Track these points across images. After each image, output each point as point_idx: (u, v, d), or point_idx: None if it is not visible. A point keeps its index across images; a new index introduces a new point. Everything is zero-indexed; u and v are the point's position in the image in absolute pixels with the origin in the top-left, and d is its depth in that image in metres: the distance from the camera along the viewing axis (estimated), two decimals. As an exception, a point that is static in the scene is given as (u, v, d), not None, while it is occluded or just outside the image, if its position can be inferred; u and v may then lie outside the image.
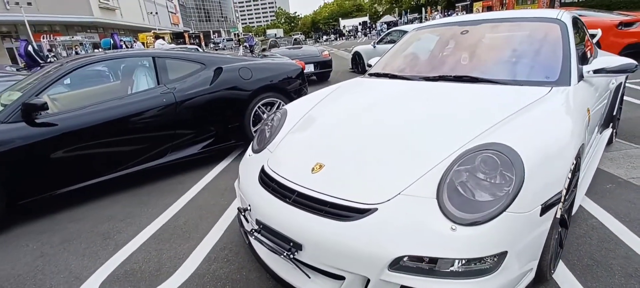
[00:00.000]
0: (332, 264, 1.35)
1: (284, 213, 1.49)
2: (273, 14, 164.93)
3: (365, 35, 42.97)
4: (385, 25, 45.54)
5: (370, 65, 3.29)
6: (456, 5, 46.69)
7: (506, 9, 32.22)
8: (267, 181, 1.70)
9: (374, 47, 9.10)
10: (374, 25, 49.51)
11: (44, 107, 2.49)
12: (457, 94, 2.01)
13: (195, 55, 3.68)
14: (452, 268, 1.20)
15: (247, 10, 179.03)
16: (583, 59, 2.25)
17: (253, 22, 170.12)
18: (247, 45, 12.41)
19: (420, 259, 1.22)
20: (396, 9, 60.90)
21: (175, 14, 60.58)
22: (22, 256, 2.26)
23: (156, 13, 42.74)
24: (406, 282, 1.23)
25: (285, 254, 1.42)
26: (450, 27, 2.82)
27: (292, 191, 1.54)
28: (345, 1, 77.53)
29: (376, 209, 1.31)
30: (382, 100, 2.15)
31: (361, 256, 1.27)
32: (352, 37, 42.64)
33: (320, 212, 1.39)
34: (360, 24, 54.36)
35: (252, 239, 1.80)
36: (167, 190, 3.08)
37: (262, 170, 1.79)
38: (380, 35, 39.91)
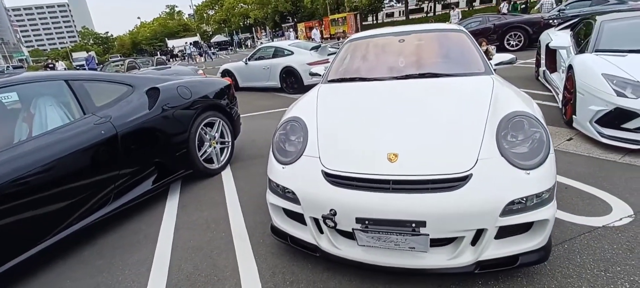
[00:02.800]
0: (455, 228, 1.57)
1: (391, 202, 1.59)
2: (72, 34, 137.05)
3: (201, 55, 41.22)
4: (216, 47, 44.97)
5: (315, 74, 3.53)
6: (282, 25, 51.17)
7: (324, 30, 37.76)
8: (342, 182, 1.72)
9: (247, 63, 9.15)
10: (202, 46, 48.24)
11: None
12: (435, 85, 2.50)
13: (116, 75, 2.95)
14: (533, 202, 1.62)
15: (34, 31, 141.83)
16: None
17: (45, 45, 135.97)
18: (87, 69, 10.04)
19: (512, 202, 1.58)
20: (226, 29, 61.33)
21: None
22: None
23: None
24: (509, 222, 1.58)
25: (410, 234, 1.53)
26: (386, 37, 3.37)
27: (386, 182, 1.64)
28: (169, 21, 72.46)
29: (472, 174, 1.60)
30: (387, 95, 2.43)
31: (478, 213, 1.55)
32: (189, 58, 39.95)
33: (429, 190, 1.58)
34: (191, 44, 51.82)
35: (337, 243, 1.78)
36: (123, 244, 2.41)
37: (328, 174, 1.78)
38: (214, 54, 38.01)
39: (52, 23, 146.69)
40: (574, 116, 3.66)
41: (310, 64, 7.57)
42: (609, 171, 2.79)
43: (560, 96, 4.37)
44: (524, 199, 1.58)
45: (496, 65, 2.96)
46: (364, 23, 44.07)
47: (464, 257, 1.62)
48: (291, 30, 30.63)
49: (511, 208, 1.58)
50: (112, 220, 2.65)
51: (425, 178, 1.61)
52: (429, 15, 42.52)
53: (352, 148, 1.90)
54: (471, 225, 1.57)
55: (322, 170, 1.81)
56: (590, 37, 4.14)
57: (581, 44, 4.39)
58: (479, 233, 1.61)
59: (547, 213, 1.61)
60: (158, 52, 49.64)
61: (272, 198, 2.02)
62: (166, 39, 60.44)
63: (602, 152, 3.14)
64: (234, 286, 1.88)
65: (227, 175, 3.44)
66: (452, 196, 1.55)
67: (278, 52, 8.61)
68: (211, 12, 63.18)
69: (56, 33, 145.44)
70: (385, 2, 51.26)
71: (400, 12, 56.63)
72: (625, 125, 3.10)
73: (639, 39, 3.76)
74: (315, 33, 22.24)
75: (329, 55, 7.86)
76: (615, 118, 3.15)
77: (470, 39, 3.09)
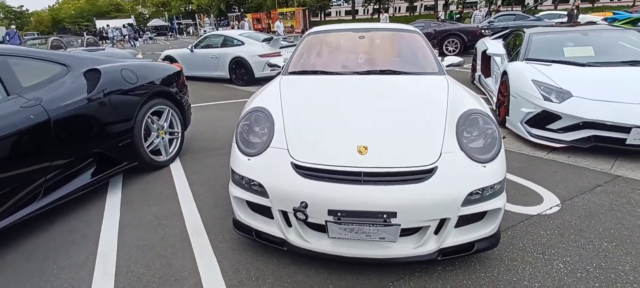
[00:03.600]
0: (423, 218, 1.63)
1: (363, 194, 1.60)
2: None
3: (136, 39, 38.04)
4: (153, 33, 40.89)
5: (275, 65, 3.44)
6: (228, 14, 49.26)
7: (273, 21, 37.47)
8: (313, 174, 1.69)
9: (192, 51, 8.62)
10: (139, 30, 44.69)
11: None
12: (396, 82, 2.58)
13: (47, 52, 2.53)
14: (488, 193, 1.75)
15: None
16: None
17: None
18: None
19: (471, 193, 1.70)
20: (165, 13, 57.32)
21: None
22: None
23: None
24: (468, 211, 1.69)
25: (382, 225, 1.57)
26: (346, 33, 3.40)
27: (357, 174, 1.65)
28: (97, -1, 65.37)
29: (437, 167, 1.69)
30: (350, 88, 2.44)
31: (442, 203, 1.63)
32: (123, 41, 36.22)
33: (399, 182, 1.63)
34: (124, 26, 47.32)
35: (306, 236, 1.75)
36: (56, 245, 2.10)
37: (298, 166, 1.74)
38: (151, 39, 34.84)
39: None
40: (507, 117, 4.06)
41: (262, 55, 7.38)
42: (537, 166, 3.15)
43: (495, 99, 4.82)
44: (481, 190, 1.70)
45: (447, 66, 3.15)
46: (312, 19, 44.40)
47: (428, 245, 1.71)
48: (245, 19, 28.94)
49: (470, 198, 1.68)
50: (41, 219, 2.31)
51: (396, 171, 1.65)
52: (374, 16, 44.42)
53: (321, 141, 1.88)
54: (437, 214, 1.65)
55: (292, 162, 1.76)
56: (520, 47, 4.62)
57: (512, 53, 4.88)
58: (442, 223, 1.70)
59: (499, 203, 1.76)
60: (85, 32, 44.58)
61: (236, 191, 1.91)
62: (94, 18, 54.43)
63: (531, 149, 3.54)
64: (194, 286, 1.75)
65: (176, 168, 3.20)
66: (420, 187, 1.62)
67: (228, 42, 8.25)
68: (149, -6, 58.47)
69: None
70: (333, 0, 52.06)
71: (337, 12, 58.09)
72: (549, 126, 3.52)
73: (560, 51, 4.30)
74: (279, 25, 20.87)
75: (281, 48, 7.74)
76: (542, 119, 3.56)
77: (425, 40, 3.25)
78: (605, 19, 12.83)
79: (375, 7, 44.74)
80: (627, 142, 3.09)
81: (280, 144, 1.88)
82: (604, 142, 3.21)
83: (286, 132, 1.95)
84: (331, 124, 2.01)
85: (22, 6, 68.40)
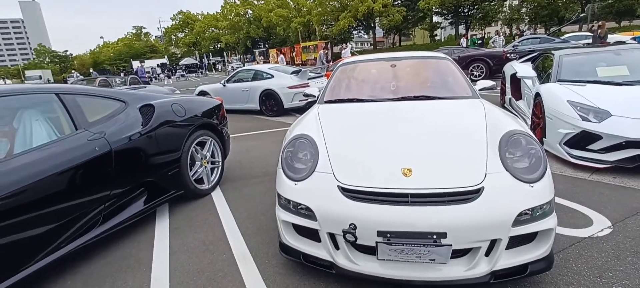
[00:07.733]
0: (473, 239, 1.63)
1: (411, 215, 1.64)
2: (24, 51, 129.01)
3: (169, 77, 40.63)
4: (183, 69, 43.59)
5: (310, 95, 3.58)
6: (254, 50, 51.59)
7: (295, 55, 38.98)
8: (361, 197, 1.75)
9: (225, 85, 9.08)
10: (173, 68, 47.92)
11: None
12: (432, 107, 2.63)
13: (108, 90, 2.82)
14: (538, 213, 1.72)
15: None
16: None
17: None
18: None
19: (521, 213, 1.68)
20: (196, 52, 60.65)
21: None
22: None
23: None
24: (519, 232, 1.67)
25: (432, 246, 1.58)
26: (378, 62, 3.53)
27: (404, 195, 1.69)
28: (135, 41, 70.47)
29: (483, 188, 1.70)
30: (388, 114, 2.52)
31: (492, 224, 1.63)
32: (154, 79, 38.85)
33: (446, 202, 1.65)
34: (158, 65, 50.62)
35: (354, 259, 1.78)
36: (112, 271, 2.23)
37: (345, 189, 1.80)
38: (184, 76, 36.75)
39: (3, 39, 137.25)
40: (544, 138, 3.97)
41: (291, 87, 7.67)
42: (581, 188, 3.04)
43: (529, 121, 4.73)
44: (531, 210, 1.69)
45: (480, 90, 3.17)
46: (334, 52, 45.65)
47: (480, 267, 1.69)
48: (280, 54, 28.57)
49: (520, 219, 1.67)
50: (95, 247, 2.46)
51: (442, 191, 1.68)
52: (396, 45, 45.22)
53: (365, 164, 1.94)
54: (487, 235, 1.64)
55: (338, 186, 1.82)
56: (551, 69, 4.57)
57: (543, 75, 4.83)
58: (492, 244, 1.69)
59: (551, 223, 1.73)
60: (122, 72, 47.86)
61: (283, 214, 1.99)
62: (131, 59, 58.51)
63: (572, 171, 3.43)
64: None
65: (218, 196, 3.33)
66: (468, 208, 1.63)
67: (258, 75, 8.64)
68: (180, 35, 62.44)
69: (7, 50, 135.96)
70: (354, 33, 53.44)
71: (357, 43, 59.37)
72: (590, 147, 3.42)
73: (593, 71, 4.23)
74: (346, 51, 18.24)
75: (309, 79, 8.02)
76: (581, 140, 3.47)
77: (455, 65, 3.31)
78: (634, 38, 12.43)
79: (396, 37, 45.78)
80: (678, 161, 2.95)
81: (326, 168, 1.96)
82: (652, 162, 3.07)
83: (330, 157, 2.02)
84: (373, 148, 2.08)
85: (66, 51, 74.88)
